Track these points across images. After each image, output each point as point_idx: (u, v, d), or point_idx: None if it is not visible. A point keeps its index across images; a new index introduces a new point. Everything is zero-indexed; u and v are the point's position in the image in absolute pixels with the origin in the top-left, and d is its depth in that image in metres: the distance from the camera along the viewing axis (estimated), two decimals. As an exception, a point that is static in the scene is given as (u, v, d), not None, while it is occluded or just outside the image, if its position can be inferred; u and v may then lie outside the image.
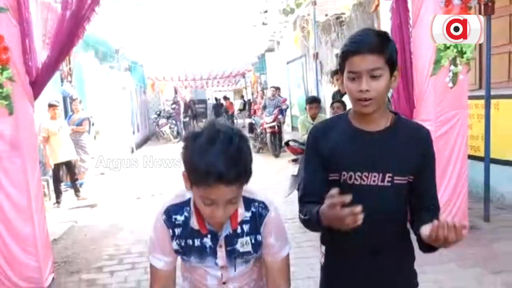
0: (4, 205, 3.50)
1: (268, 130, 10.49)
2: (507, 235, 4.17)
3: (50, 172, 6.88)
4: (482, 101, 4.87)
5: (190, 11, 12.51)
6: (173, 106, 19.16)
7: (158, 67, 18.24)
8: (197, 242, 1.36)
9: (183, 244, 1.37)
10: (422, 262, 3.67)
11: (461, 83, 4.02)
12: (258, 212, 1.35)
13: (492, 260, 3.65)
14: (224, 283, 1.43)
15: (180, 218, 1.36)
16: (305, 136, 5.26)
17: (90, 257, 4.49)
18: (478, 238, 4.16)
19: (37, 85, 3.64)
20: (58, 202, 6.71)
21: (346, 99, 5.52)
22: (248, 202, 1.36)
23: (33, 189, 3.62)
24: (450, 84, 3.98)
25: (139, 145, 16.00)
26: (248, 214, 1.36)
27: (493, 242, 4.05)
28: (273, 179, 7.41)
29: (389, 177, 1.36)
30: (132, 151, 14.08)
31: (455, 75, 3.97)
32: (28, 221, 3.56)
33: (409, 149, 1.37)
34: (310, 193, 1.42)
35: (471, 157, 5.45)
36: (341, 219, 1.17)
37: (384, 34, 1.37)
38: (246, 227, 1.35)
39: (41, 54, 3.71)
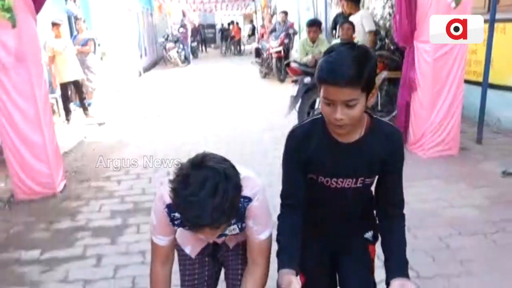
0: (14, 114, 3.69)
1: (274, 55, 10.40)
2: (495, 156, 4.32)
3: (59, 91, 7.04)
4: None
5: None
6: (181, 30, 18.77)
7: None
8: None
9: (181, 227, 1.54)
10: (411, 177, 3.88)
11: (464, 3, 3.94)
12: (243, 206, 1.44)
13: (476, 177, 3.84)
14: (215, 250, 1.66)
15: (178, 215, 1.45)
16: (305, 58, 5.29)
17: (98, 168, 4.78)
18: (467, 158, 4.33)
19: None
20: (67, 120, 6.95)
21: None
22: (246, 200, 1.45)
23: (40, 101, 3.78)
24: (453, 5, 3.92)
25: (147, 69, 15.98)
26: None
27: (481, 162, 4.21)
28: (278, 103, 7.52)
29: (361, 180, 1.46)
30: (140, 75, 14.14)
31: (459, -6, 3.88)
32: (37, 130, 3.78)
33: (380, 153, 1.43)
34: (290, 194, 1.51)
35: (474, 82, 5.47)
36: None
37: (363, 58, 1.26)
38: (233, 220, 1.46)
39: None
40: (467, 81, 5.58)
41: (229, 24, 23.78)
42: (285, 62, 6.41)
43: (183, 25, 19.33)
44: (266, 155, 4.84)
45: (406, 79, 4.44)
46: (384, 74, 5.03)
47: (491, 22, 4.56)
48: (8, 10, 3.35)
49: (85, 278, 2.67)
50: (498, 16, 4.77)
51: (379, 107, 5.05)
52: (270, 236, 1.52)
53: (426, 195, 3.54)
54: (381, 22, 6.20)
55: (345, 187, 1.47)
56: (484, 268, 2.50)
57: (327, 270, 1.65)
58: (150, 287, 1.62)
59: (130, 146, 5.67)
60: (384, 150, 1.42)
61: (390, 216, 1.52)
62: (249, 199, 1.44)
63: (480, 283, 2.37)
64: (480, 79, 4.98)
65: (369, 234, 1.62)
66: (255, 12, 24.52)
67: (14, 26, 3.44)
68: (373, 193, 1.59)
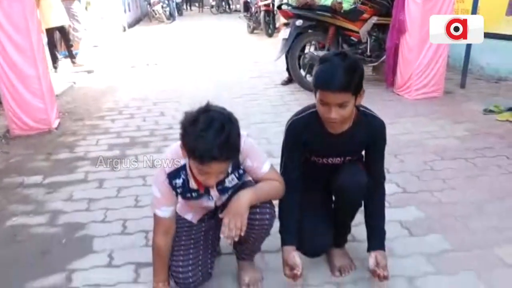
0: (8, 47, 3.68)
1: (262, 8, 10.32)
2: (477, 98, 4.53)
3: (45, 39, 6.91)
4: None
5: None
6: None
7: None
8: (195, 194, 1.67)
9: (183, 196, 1.68)
10: (397, 116, 4.04)
11: None
12: None
13: (458, 115, 4.04)
14: (217, 207, 1.75)
15: (179, 181, 1.62)
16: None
17: (91, 109, 4.83)
18: (450, 99, 4.52)
19: None
20: (55, 67, 6.86)
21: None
22: None
23: (34, 35, 3.77)
24: None
25: (131, 25, 15.63)
26: None
27: (463, 102, 4.42)
28: (266, 56, 7.55)
29: (348, 159, 1.78)
30: (124, 30, 13.85)
31: None
32: (32, 64, 3.78)
33: (364, 140, 1.73)
34: (290, 169, 1.78)
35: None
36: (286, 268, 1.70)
37: (352, 67, 1.52)
38: (229, 169, 1.60)
39: None
40: (453, 30, 5.73)
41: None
42: (277, 5, 6.38)
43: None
44: (257, 99, 4.96)
45: (396, 22, 4.54)
46: (374, 20, 5.09)
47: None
48: None
49: (89, 197, 2.78)
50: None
51: (368, 52, 5.15)
52: (272, 166, 1.68)
53: (411, 129, 3.73)
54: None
55: (334, 163, 1.79)
56: (464, 185, 2.70)
57: (320, 205, 1.92)
58: (152, 258, 1.74)
59: (120, 91, 5.69)
60: (368, 137, 1.73)
61: (372, 191, 1.77)
62: None
63: (460, 196, 2.57)
64: (467, 27, 5.09)
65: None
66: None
67: (5, -47, 3.39)
68: None
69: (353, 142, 1.73)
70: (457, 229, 2.24)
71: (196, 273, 1.76)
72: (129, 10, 16.21)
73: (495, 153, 3.14)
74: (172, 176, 1.62)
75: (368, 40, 5.16)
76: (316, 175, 1.86)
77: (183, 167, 1.61)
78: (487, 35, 5.40)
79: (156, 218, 1.70)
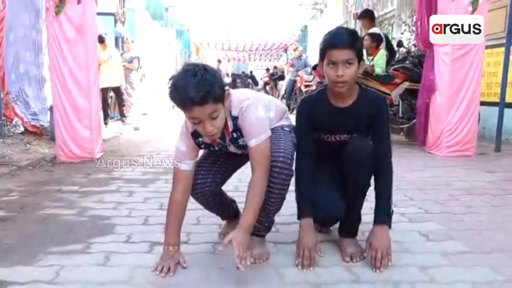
0: (68, 82, 4.16)
1: (304, 89, 10.88)
2: (511, 157, 4.46)
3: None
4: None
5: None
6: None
7: (204, 33, 18.92)
8: (214, 148, 1.90)
9: (209, 150, 1.93)
10: (424, 165, 4.02)
11: (481, 8, 4.28)
12: (236, 123, 1.77)
13: (490, 167, 3.97)
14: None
15: (201, 140, 1.83)
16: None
17: (132, 150, 5.16)
18: (482, 158, 4.46)
19: (101, -17, 4.25)
20: (105, 123, 7.44)
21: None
22: (235, 119, 1.77)
23: (92, 73, 4.26)
24: (470, 9, 4.26)
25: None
26: (235, 123, 1.79)
27: (496, 160, 4.35)
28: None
29: (354, 136, 1.90)
30: (173, 108, 14.85)
31: (476, 0, 4.24)
32: (86, 98, 4.22)
33: (367, 114, 1.87)
34: (304, 145, 1.92)
35: (495, 104, 5.67)
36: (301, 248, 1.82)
37: (355, 33, 1.83)
38: (238, 134, 1.80)
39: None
40: (489, 103, 5.83)
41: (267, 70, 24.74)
42: (312, 66, 6.79)
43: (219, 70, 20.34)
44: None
45: (426, 81, 4.73)
46: (405, 85, 5.32)
47: (508, 41, 4.83)
48: (76, -13, 3.92)
49: (118, 201, 2.93)
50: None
51: (400, 114, 5.29)
52: (262, 144, 1.73)
53: (439, 174, 3.69)
54: (405, 44, 6.59)
55: (341, 140, 1.92)
56: (489, 211, 2.63)
57: (331, 177, 2.00)
58: (166, 219, 1.86)
59: (162, 141, 6.06)
60: (370, 112, 1.87)
61: (378, 172, 1.88)
62: (236, 118, 1.75)
63: (484, 217, 2.50)
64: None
65: None
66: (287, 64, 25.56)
67: (79, 2, 4.00)
68: None
69: (358, 118, 1.87)
70: (477, 238, 2.17)
71: (205, 179, 1.90)
72: (180, 92, 17.49)
73: (525, 193, 3.06)
74: (195, 135, 1.79)
75: (400, 103, 5.34)
76: (327, 156, 1.97)
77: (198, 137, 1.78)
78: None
79: (177, 173, 1.83)
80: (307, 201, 1.87)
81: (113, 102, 8.28)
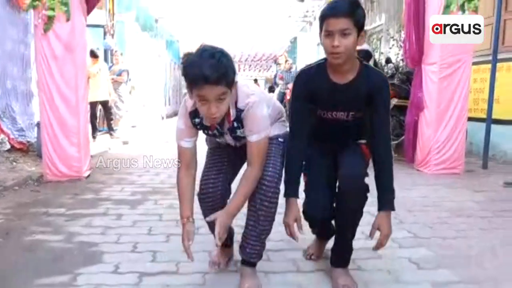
0: (56, 100, 4.09)
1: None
2: (498, 175, 4.50)
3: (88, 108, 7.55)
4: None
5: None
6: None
7: (193, 44, 18.93)
8: (210, 132, 1.92)
9: (204, 132, 1.94)
10: (413, 184, 4.05)
11: (467, 29, 4.35)
12: (240, 115, 1.80)
13: (478, 186, 4.01)
14: (235, 147, 1.97)
15: (197, 120, 1.84)
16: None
17: (121, 168, 5.09)
18: (470, 176, 4.50)
19: (90, 2, 4.23)
20: (93, 137, 7.37)
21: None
22: (239, 110, 1.79)
23: (81, 90, 4.22)
24: (457, 29, 4.33)
25: (169, 116, 16.72)
26: (237, 114, 1.81)
27: (484, 177, 4.40)
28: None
29: (352, 114, 1.86)
30: (162, 119, 14.80)
31: (462, 20, 4.31)
32: (74, 115, 4.16)
33: (367, 92, 1.80)
34: (297, 120, 1.90)
35: (482, 120, 5.74)
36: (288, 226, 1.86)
37: (355, 2, 1.71)
38: (238, 124, 1.82)
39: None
40: (476, 119, 5.90)
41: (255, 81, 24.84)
42: None
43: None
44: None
45: (414, 99, 4.78)
46: (394, 101, 5.36)
47: (494, 59, 4.91)
48: (66, 4, 3.90)
49: (106, 226, 2.89)
50: (502, 55, 5.17)
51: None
52: (262, 140, 1.79)
53: (428, 193, 3.72)
54: (393, 60, 6.67)
55: (339, 118, 1.87)
56: (478, 235, 2.65)
57: (326, 170, 1.94)
58: (177, 190, 1.91)
59: (152, 156, 6.00)
60: (370, 89, 1.79)
61: (378, 159, 1.85)
62: (241, 110, 1.78)
63: (473, 242, 2.51)
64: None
65: (362, 141, 1.98)
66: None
67: (68, 19, 3.97)
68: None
69: (357, 95, 1.80)
70: (467, 266, 2.18)
71: (215, 189, 1.93)
72: (169, 104, 17.47)
73: (513, 214, 3.09)
74: (192, 115, 1.82)
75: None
76: (323, 132, 1.95)
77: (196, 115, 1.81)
78: (508, 123, 5.59)
79: (180, 150, 1.88)
80: (293, 181, 1.89)
81: (101, 115, 8.21)
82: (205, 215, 1.92)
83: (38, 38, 4.05)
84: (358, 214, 1.88)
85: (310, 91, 1.84)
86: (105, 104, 7.71)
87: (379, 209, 1.82)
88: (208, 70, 1.55)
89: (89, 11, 4.28)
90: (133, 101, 10.15)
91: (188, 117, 1.83)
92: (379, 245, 1.82)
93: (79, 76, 4.17)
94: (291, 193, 1.88)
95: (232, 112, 1.77)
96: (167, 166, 5.07)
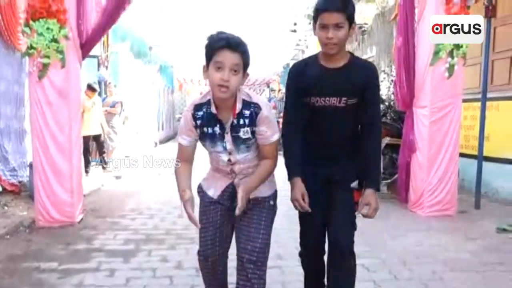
0: (50, 145, 4.09)
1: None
2: (491, 217, 4.53)
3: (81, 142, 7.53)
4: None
5: (223, 17, 13.21)
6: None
7: (187, 69, 19.07)
8: (210, 130, 1.90)
9: (201, 131, 1.93)
10: (407, 229, 4.06)
11: (456, 74, 4.45)
12: (254, 112, 1.85)
13: (470, 231, 4.03)
14: (232, 164, 1.97)
15: (200, 113, 1.90)
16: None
17: (114, 209, 5.06)
18: (464, 218, 4.54)
19: (85, 46, 4.28)
20: (86, 172, 7.32)
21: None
22: (247, 104, 1.86)
23: (74, 134, 4.22)
24: (446, 74, 4.42)
25: (162, 141, 16.71)
26: (248, 112, 1.86)
27: (477, 221, 4.42)
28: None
29: (344, 100, 1.95)
30: (156, 145, 14.78)
31: (452, 66, 4.41)
32: (67, 160, 4.15)
33: (358, 79, 1.93)
34: (292, 114, 2.04)
35: (473, 156, 5.82)
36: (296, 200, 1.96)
37: None
38: (246, 121, 1.86)
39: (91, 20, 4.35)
40: (467, 155, 5.97)
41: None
42: None
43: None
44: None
45: (406, 141, 4.83)
46: (386, 140, 5.42)
47: (483, 98, 5.01)
48: (61, 52, 3.92)
49: (98, 285, 2.85)
50: (491, 95, 5.27)
51: (382, 169, 5.37)
52: (276, 141, 1.93)
53: (422, 241, 3.73)
54: (385, 97, 6.76)
55: (331, 105, 1.96)
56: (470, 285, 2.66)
57: (318, 199, 2.05)
58: (176, 179, 1.99)
59: (145, 194, 5.98)
60: (361, 76, 1.94)
61: (367, 132, 2.00)
62: (258, 106, 1.86)
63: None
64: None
65: (354, 184, 2.06)
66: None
67: (63, 66, 3.99)
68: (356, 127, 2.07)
69: (348, 82, 1.93)
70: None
71: (214, 249, 2.01)
72: (162, 129, 17.49)
73: (506, 268, 3.09)
74: (197, 107, 1.91)
75: (382, 158, 5.43)
76: (317, 134, 2.04)
77: (208, 102, 1.88)
78: (500, 160, 5.66)
79: (179, 146, 2.00)
80: (293, 164, 2.01)
81: (94, 147, 8.19)
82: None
83: (33, 85, 4.06)
84: (349, 276, 1.98)
85: (304, 80, 1.97)
86: (97, 137, 7.70)
87: (367, 187, 1.97)
88: (230, 37, 1.77)
89: (83, 56, 4.31)
90: (127, 131, 10.15)
91: (190, 113, 1.91)
92: (368, 216, 1.95)
93: (73, 122, 4.17)
94: (294, 174, 2.00)
95: (238, 106, 1.85)
96: (160, 209, 5.04)
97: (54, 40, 3.88)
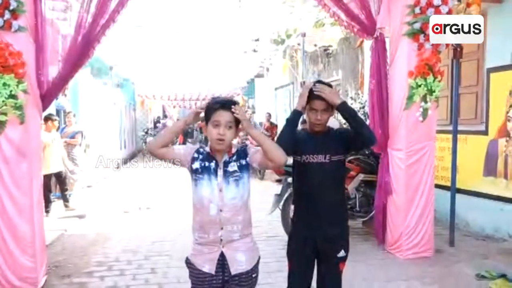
0: (8, 207, 3.74)
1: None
2: (467, 258, 4.58)
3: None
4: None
5: (184, 34, 12.92)
6: (158, 125, 19.64)
7: (149, 85, 18.64)
8: (207, 164, 2.21)
9: (201, 165, 2.21)
10: (387, 278, 4.03)
11: (430, 118, 4.48)
12: (242, 149, 2.24)
13: (450, 279, 4.03)
14: (221, 210, 2.15)
15: (200, 150, 2.27)
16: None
17: (80, 263, 4.72)
18: (441, 260, 4.56)
19: (46, 98, 3.97)
20: (47, 212, 6.87)
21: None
22: (238, 148, 2.26)
23: (36, 193, 3.89)
24: (421, 118, 4.44)
25: (125, 161, 16.19)
26: (238, 151, 2.25)
27: (454, 263, 4.44)
28: (258, 199, 7.72)
29: (328, 156, 2.51)
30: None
31: (425, 110, 4.43)
32: (29, 222, 3.81)
33: (338, 140, 2.56)
34: (285, 144, 2.34)
35: (442, 187, 5.91)
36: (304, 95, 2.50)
37: (330, 86, 2.57)
38: (234, 158, 2.21)
39: (52, 70, 4.05)
40: (437, 186, 6.04)
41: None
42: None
43: (158, 121, 20.17)
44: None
45: (382, 182, 4.80)
46: (360, 177, 5.39)
47: (454, 133, 5.07)
48: (20, 108, 3.61)
49: None
50: (460, 127, 5.34)
51: (357, 208, 5.33)
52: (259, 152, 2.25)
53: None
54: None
55: (319, 161, 2.50)
56: None
57: (308, 260, 2.59)
58: (162, 136, 2.29)
59: (111, 240, 5.65)
60: (340, 138, 2.56)
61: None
62: (245, 146, 2.27)
63: None
64: (448, 183, 5.42)
65: (341, 253, 2.53)
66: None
67: (22, 122, 3.67)
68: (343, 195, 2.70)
69: (330, 141, 2.54)
70: None
71: None
72: (125, 147, 16.95)
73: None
74: (198, 150, 2.27)
75: (357, 195, 5.39)
76: (307, 187, 2.56)
77: (203, 148, 2.27)
78: (469, 193, 5.76)
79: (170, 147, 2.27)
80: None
81: (54, 182, 7.74)
82: None
83: (-13, 142, 3.71)
84: None
85: (296, 140, 2.54)
86: (58, 174, 7.28)
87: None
88: (224, 100, 2.18)
89: (44, 108, 4.00)
90: (88, 160, 9.70)
91: (193, 152, 2.24)
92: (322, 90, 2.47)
93: (34, 179, 3.85)
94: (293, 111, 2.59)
95: (233, 150, 2.23)
96: (129, 261, 4.76)
97: (12, 96, 3.56)
